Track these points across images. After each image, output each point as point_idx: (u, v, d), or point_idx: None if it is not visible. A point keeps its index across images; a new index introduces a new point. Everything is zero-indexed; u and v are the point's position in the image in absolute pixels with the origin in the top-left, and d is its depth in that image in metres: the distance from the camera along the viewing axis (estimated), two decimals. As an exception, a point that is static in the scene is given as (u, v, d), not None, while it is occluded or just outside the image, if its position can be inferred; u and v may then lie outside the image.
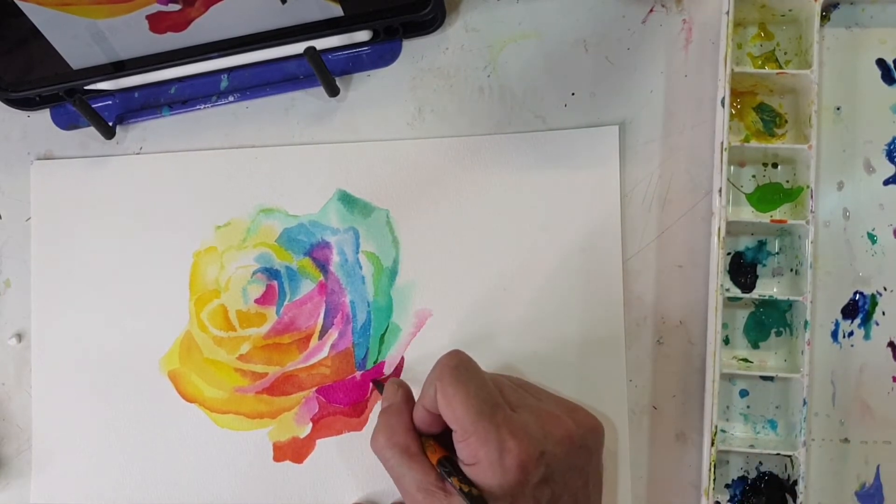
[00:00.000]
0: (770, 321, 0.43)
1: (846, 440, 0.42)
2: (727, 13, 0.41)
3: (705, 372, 0.41)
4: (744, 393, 0.43)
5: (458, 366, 0.36)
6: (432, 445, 0.37)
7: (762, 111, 0.43)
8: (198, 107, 0.48)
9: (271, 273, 0.47)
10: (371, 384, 0.45)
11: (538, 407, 0.36)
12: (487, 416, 0.34)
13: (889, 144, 0.42)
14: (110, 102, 0.49)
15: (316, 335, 0.46)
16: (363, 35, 0.46)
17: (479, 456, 0.34)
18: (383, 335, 0.45)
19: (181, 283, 0.47)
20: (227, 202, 0.47)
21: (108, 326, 0.48)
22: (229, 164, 0.47)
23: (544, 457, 0.34)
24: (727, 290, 0.42)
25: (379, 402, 0.45)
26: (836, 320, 0.42)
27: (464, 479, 0.34)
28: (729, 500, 0.42)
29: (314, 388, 0.46)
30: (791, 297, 0.41)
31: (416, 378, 0.45)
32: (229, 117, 0.48)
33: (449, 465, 0.35)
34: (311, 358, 0.46)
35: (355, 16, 0.44)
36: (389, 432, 0.37)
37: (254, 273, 0.47)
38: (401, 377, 0.45)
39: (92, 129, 0.48)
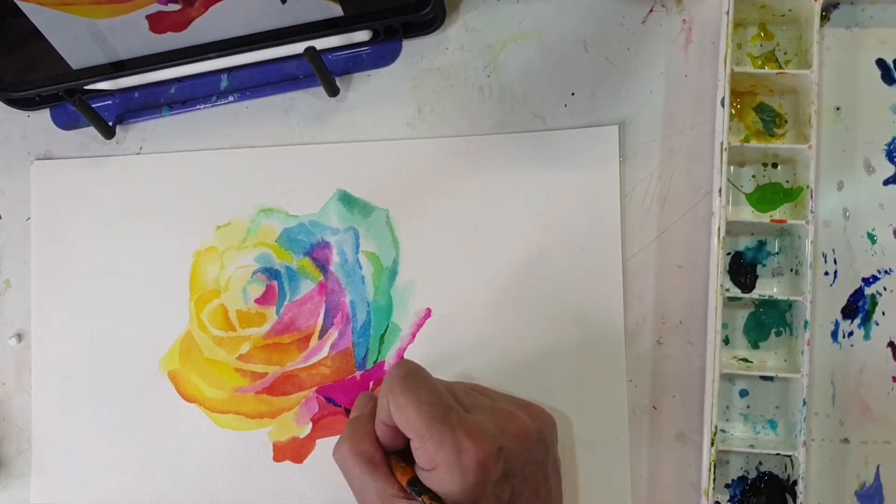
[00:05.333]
0: (770, 321, 0.43)
1: (846, 440, 0.42)
2: (727, 13, 0.41)
3: (705, 372, 0.41)
4: (744, 393, 0.43)
5: (406, 375, 0.36)
6: (399, 465, 0.37)
7: (762, 111, 0.43)
8: (198, 107, 0.48)
9: (271, 273, 0.47)
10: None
11: (492, 406, 0.37)
12: (440, 419, 0.34)
13: (889, 144, 0.42)
14: (110, 102, 0.49)
15: (316, 335, 0.46)
16: (363, 35, 0.46)
17: (436, 460, 0.34)
18: (383, 335, 0.45)
19: (181, 283, 0.47)
20: (227, 202, 0.47)
21: (108, 326, 0.48)
22: (229, 164, 0.47)
23: (502, 453, 0.34)
24: (727, 290, 0.42)
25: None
26: (836, 320, 0.42)
27: (434, 496, 0.34)
28: (729, 500, 0.42)
29: (314, 388, 0.46)
30: (791, 297, 0.41)
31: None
32: (229, 117, 0.48)
33: (419, 486, 0.35)
34: (311, 358, 0.46)
35: (355, 16, 0.44)
36: (355, 440, 0.37)
37: (254, 273, 0.47)
38: (401, 377, 0.45)
39: (92, 129, 0.48)
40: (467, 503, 0.34)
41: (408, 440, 0.36)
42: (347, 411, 0.44)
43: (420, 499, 0.35)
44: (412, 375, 0.36)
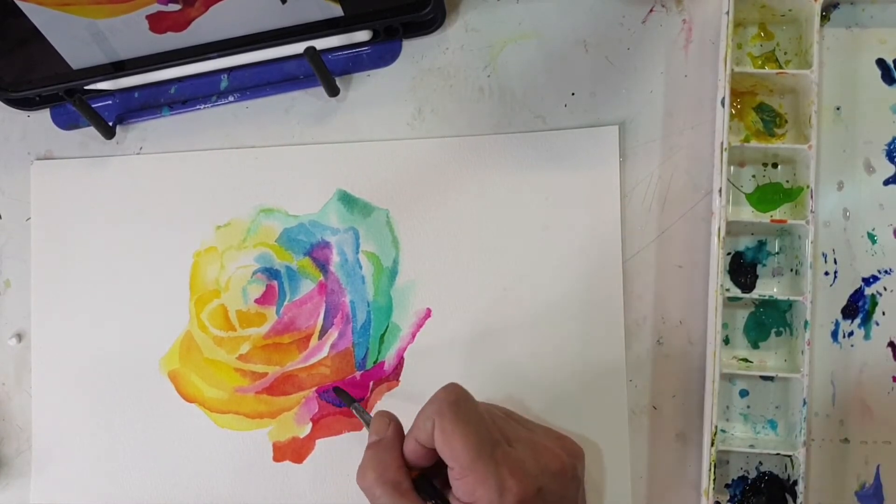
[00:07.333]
0: (770, 321, 0.43)
1: (846, 440, 0.42)
2: (727, 13, 0.41)
3: (705, 372, 0.41)
4: (744, 393, 0.43)
5: (456, 401, 0.35)
6: (422, 481, 0.36)
7: (762, 111, 0.43)
8: (198, 107, 0.48)
9: (271, 273, 0.47)
10: (334, 392, 0.45)
11: (532, 440, 0.36)
12: (487, 454, 0.34)
13: (889, 144, 0.42)
14: (110, 102, 0.49)
15: (316, 335, 0.46)
16: (363, 35, 0.46)
17: (476, 495, 0.33)
18: (383, 335, 0.45)
19: (181, 283, 0.47)
20: (227, 202, 0.47)
21: (109, 326, 0.48)
22: (229, 164, 0.47)
23: (541, 493, 0.34)
24: (727, 290, 0.42)
25: (378, 403, 0.45)
26: (836, 320, 0.42)
27: None
28: (729, 500, 0.42)
29: (314, 388, 0.46)
30: (791, 297, 0.41)
31: (415, 379, 0.45)
32: (229, 117, 0.48)
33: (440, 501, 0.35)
34: (311, 358, 0.46)
35: (355, 16, 0.44)
36: (381, 468, 0.36)
37: (254, 273, 0.47)
38: (400, 377, 0.45)
39: (92, 129, 0.48)
40: None
41: (436, 459, 0.35)
42: (351, 400, 0.44)
43: None
44: (462, 402, 0.35)
